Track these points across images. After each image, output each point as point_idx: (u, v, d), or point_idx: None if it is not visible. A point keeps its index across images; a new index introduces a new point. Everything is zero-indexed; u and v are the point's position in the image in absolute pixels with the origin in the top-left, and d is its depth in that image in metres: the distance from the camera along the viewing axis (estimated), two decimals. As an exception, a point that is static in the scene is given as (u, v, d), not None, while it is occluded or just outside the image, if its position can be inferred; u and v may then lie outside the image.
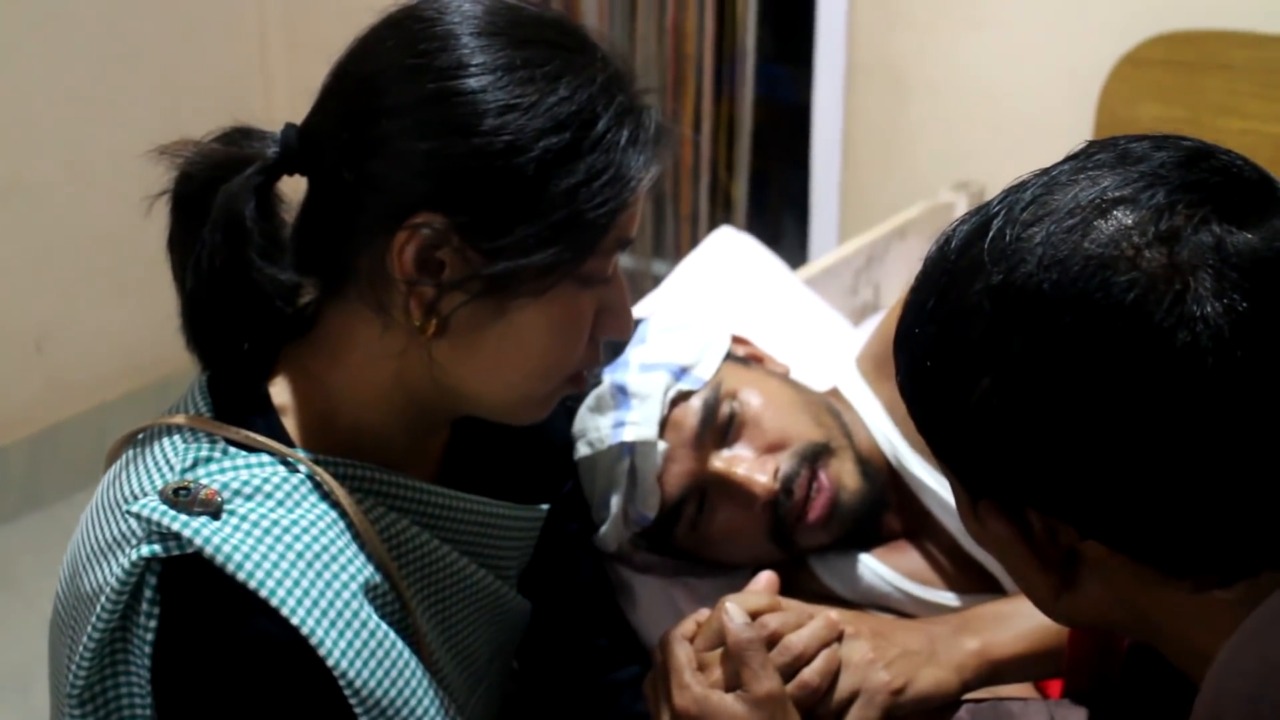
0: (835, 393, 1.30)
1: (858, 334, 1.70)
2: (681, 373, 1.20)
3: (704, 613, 0.98)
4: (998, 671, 1.00)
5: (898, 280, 2.04)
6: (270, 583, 0.82)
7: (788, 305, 1.69)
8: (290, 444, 0.89)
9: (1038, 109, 2.33)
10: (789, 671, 0.93)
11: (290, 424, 0.91)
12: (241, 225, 0.86)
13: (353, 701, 0.85)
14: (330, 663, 0.83)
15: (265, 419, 0.90)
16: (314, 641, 0.83)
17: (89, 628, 0.84)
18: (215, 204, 0.86)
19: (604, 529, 1.19)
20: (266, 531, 0.84)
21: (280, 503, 0.86)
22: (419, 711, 0.89)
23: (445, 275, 0.85)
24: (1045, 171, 0.70)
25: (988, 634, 1.00)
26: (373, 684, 0.85)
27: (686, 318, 1.30)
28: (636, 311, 1.32)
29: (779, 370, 1.29)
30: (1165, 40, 2.12)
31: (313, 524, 0.86)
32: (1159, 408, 0.63)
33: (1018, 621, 1.01)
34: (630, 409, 1.17)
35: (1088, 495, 0.66)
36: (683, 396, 1.19)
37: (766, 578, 1.01)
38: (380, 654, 0.86)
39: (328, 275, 0.91)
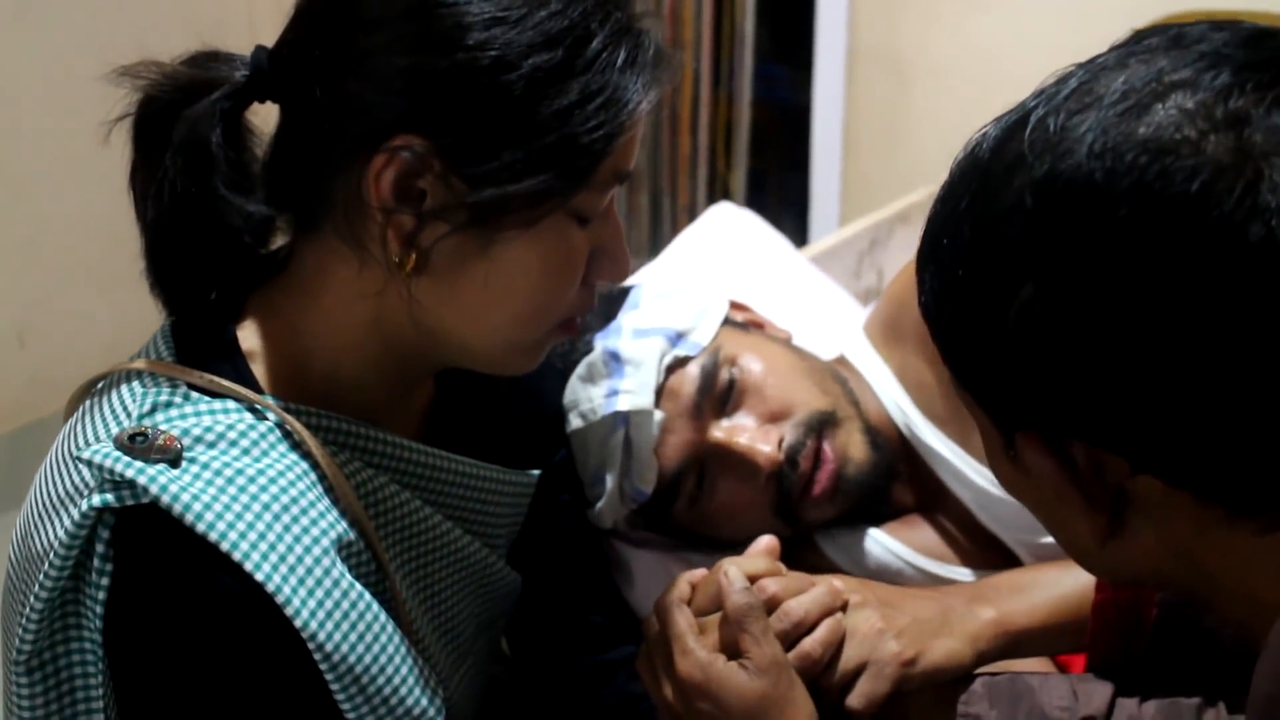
0: (842, 360, 1.25)
1: (863, 312, 1.64)
2: (677, 338, 1.14)
3: (697, 573, 0.92)
4: (1015, 643, 0.94)
5: (901, 264, 1.99)
6: (233, 535, 0.76)
7: (789, 276, 1.64)
8: (258, 390, 0.84)
9: (1045, 94, 2.29)
10: (789, 639, 0.88)
11: (259, 370, 0.85)
12: (206, 151, 0.80)
13: (323, 666, 0.79)
14: (298, 623, 0.77)
15: (232, 363, 0.84)
16: (280, 599, 0.77)
17: (36, 586, 0.78)
18: (177, 129, 0.80)
19: (599, 505, 1.14)
20: (230, 481, 0.78)
21: (246, 451, 0.80)
22: (396, 680, 0.82)
23: (426, 204, 0.79)
24: (1088, 61, 0.64)
25: (1004, 604, 0.95)
26: (345, 647, 0.79)
27: (682, 283, 1.24)
28: (629, 281, 1.26)
29: (780, 336, 1.23)
30: (1175, 21, 2.08)
31: (280, 474, 0.80)
32: (1228, 313, 0.56)
33: (1036, 591, 0.96)
34: (624, 376, 1.11)
35: (1144, 420, 0.59)
36: (679, 363, 1.13)
37: (766, 541, 0.95)
38: (354, 615, 0.80)
39: (301, 208, 0.85)
